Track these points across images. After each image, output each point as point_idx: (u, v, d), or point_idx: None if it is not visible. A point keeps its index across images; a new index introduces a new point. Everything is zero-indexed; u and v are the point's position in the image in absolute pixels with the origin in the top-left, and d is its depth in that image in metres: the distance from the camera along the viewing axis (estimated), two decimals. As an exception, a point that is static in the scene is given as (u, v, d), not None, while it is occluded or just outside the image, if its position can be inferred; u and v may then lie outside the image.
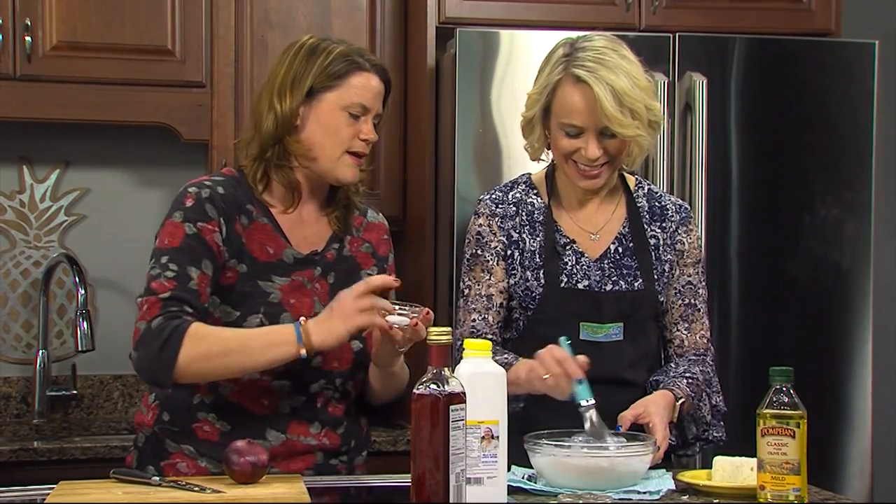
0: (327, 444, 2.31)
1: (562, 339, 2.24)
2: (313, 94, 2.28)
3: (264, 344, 2.16)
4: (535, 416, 2.24)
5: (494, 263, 2.45)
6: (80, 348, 3.43)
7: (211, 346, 2.15)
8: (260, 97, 2.35)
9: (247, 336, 2.18)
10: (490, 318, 2.43)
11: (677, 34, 3.33)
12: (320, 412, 2.31)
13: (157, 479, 2.04)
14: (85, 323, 3.43)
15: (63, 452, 3.12)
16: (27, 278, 3.70)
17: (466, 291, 2.46)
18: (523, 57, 3.21)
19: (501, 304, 2.44)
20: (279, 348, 2.14)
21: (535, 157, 2.50)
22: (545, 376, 2.17)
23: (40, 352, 3.60)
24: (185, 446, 2.26)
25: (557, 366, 2.17)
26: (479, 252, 2.46)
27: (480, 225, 2.47)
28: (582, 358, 2.20)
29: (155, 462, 2.25)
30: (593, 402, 2.17)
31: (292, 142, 2.29)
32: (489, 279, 2.45)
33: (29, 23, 3.34)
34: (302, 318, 2.15)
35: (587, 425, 2.16)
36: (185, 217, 2.24)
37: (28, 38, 3.34)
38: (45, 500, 1.97)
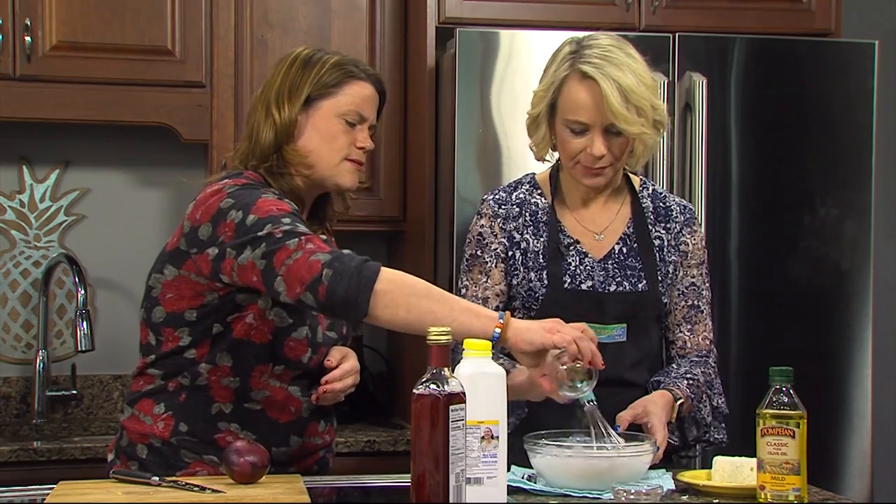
0: (328, 440, 2.37)
1: None
2: (310, 103, 2.30)
3: (466, 307, 2.05)
4: (535, 417, 2.24)
5: (493, 266, 2.45)
6: (79, 348, 3.43)
7: (414, 284, 2.04)
8: (255, 108, 2.34)
9: (446, 294, 2.06)
10: None
11: (677, 34, 3.33)
12: (324, 410, 2.34)
13: (157, 479, 2.03)
14: (85, 323, 3.43)
15: (63, 452, 3.12)
16: (27, 278, 3.70)
17: (463, 291, 2.47)
18: (523, 57, 3.21)
19: (497, 307, 2.44)
20: (479, 318, 2.03)
21: (540, 157, 2.49)
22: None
23: (40, 352, 3.60)
24: (208, 456, 2.22)
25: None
26: (478, 253, 2.46)
27: (482, 226, 2.47)
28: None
29: (169, 474, 2.15)
30: (595, 402, 2.15)
31: (290, 150, 2.29)
32: (486, 281, 2.45)
33: (29, 23, 3.34)
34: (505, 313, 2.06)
35: (591, 424, 2.12)
36: (277, 197, 2.19)
37: (28, 38, 3.34)
38: (45, 500, 1.97)
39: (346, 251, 2.08)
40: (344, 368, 2.31)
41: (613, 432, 2.14)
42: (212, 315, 2.22)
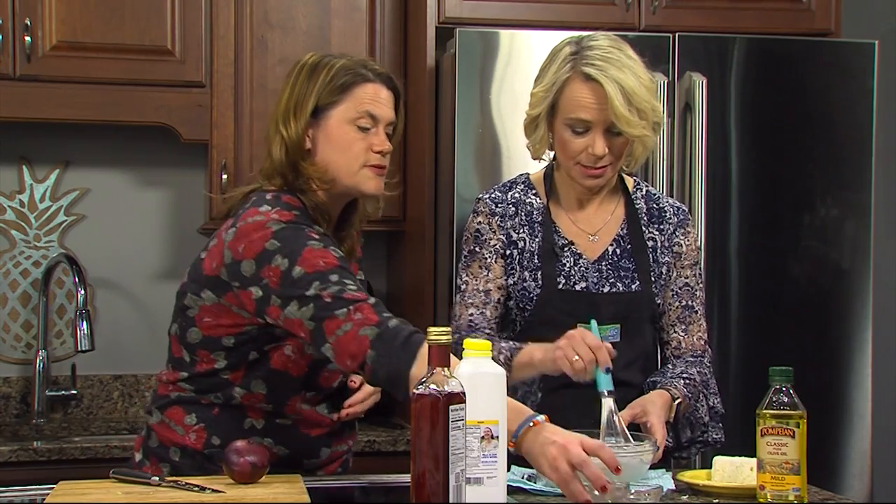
0: (351, 444, 2.38)
1: (592, 322, 2.25)
2: (319, 113, 2.24)
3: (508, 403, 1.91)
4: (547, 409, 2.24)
5: (493, 261, 2.45)
6: (79, 348, 3.43)
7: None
8: (269, 125, 2.29)
9: None
10: (488, 313, 2.42)
11: (677, 34, 3.33)
12: (347, 420, 2.36)
13: (157, 479, 2.03)
14: (85, 323, 3.42)
15: (63, 452, 3.12)
16: (27, 278, 3.70)
17: (463, 287, 2.46)
18: (523, 57, 3.21)
19: (499, 300, 2.44)
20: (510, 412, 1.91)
21: (537, 157, 2.49)
22: (575, 358, 2.14)
23: (40, 352, 3.60)
24: None
25: (590, 352, 2.14)
26: (476, 249, 2.46)
27: (479, 223, 2.47)
28: (609, 347, 2.17)
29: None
30: (613, 391, 2.15)
31: (307, 166, 2.23)
32: (487, 275, 2.45)
33: (29, 23, 3.34)
34: (543, 417, 1.93)
35: (605, 414, 2.13)
36: (324, 244, 2.12)
37: (28, 38, 3.34)
38: (44, 500, 1.97)
39: (392, 323, 2.01)
40: (367, 390, 2.32)
41: (625, 431, 2.12)
42: (249, 343, 2.19)
